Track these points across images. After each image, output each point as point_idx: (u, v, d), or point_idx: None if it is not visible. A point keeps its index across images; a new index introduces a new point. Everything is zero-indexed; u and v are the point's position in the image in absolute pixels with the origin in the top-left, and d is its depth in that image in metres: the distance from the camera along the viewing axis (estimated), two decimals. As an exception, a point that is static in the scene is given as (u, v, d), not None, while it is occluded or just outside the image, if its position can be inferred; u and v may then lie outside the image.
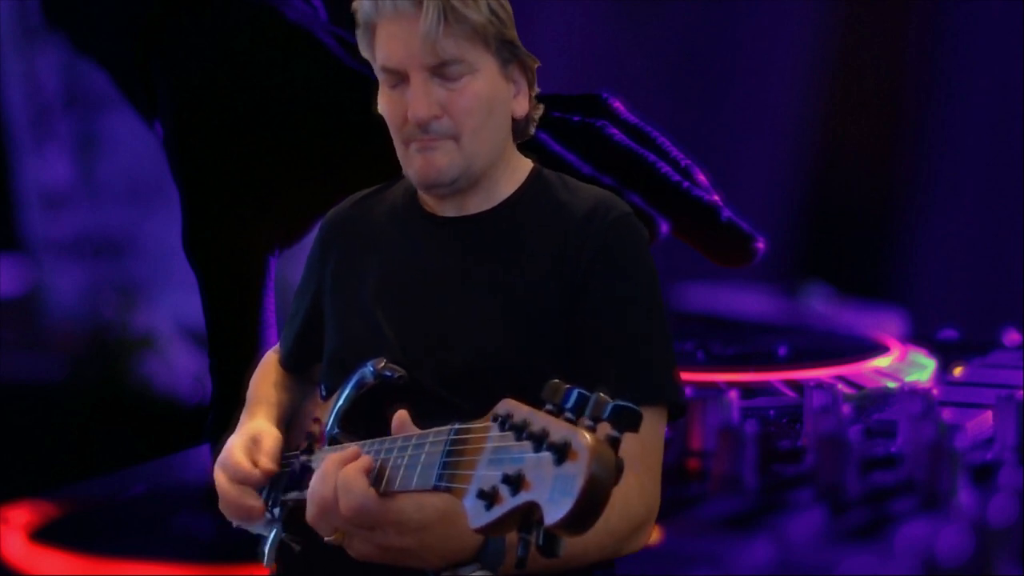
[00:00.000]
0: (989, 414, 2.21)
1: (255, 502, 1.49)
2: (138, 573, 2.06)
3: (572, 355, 1.42)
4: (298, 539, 1.47)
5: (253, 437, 1.52)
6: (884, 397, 2.39)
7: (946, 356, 2.70)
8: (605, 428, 1.11)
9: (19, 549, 2.18)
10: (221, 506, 1.52)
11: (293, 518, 1.47)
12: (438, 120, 1.43)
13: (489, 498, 1.14)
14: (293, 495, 1.47)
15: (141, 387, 3.45)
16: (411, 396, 1.42)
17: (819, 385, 2.22)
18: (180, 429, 2.98)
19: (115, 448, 3.15)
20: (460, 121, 1.43)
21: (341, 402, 1.44)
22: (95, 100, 3.51)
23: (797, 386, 2.41)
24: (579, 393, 1.13)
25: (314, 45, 2.15)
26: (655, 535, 1.49)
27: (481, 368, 1.42)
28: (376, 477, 1.31)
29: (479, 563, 1.30)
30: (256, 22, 2.17)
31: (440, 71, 1.42)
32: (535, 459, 1.11)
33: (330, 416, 1.45)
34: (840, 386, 2.34)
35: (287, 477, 1.50)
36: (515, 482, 1.12)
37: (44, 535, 2.21)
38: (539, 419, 1.14)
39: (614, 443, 1.10)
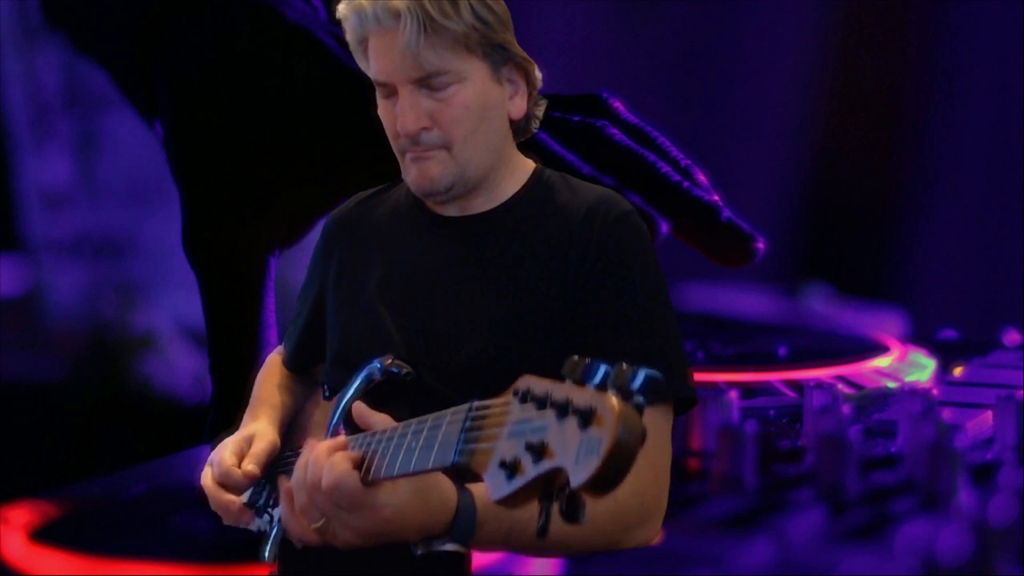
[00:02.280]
0: (989, 414, 2.21)
1: (233, 501, 1.51)
2: (138, 573, 2.06)
3: (577, 352, 1.42)
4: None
5: (247, 438, 1.53)
6: (884, 397, 2.39)
7: (946, 356, 2.70)
8: (628, 394, 1.11)
9: (19, 549, 2.17)
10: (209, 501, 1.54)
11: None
12: (428, 131, 1.44)
13: (511, 468, 1.13)
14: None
15: (141, 387, 3.45)
16: (415, 394, 1.42)
17: (819, 385, 2.22)
18: (180, 429, 2.98)
19: (115, 448, 3.15)
20: (450, 131, 1.43)
21: (348, 398, 1.44)
22: (95, 100, 3.51)
23: (797, 386, 2.41)
24: (600, 365, 1.13)
25: (314, 45, 2.15)
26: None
27: (484, 366, 1.42)
28: (388, 462, 1.31)
29: (449, 537, 1.31)
30: (256, 22, 2.17)
31: (426, 82, 1.42)
32: (559, 426, 1.11)
33: (336, 412, 1.45)
34: (840, 386, 2.34)
35: (288, 476, 1.50)
36: (538, 451, 1.12)
37: (44, 535, 2.21)
38: (561, 389, 1.13)
39: (639, 409, 1.11)
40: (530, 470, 1.12)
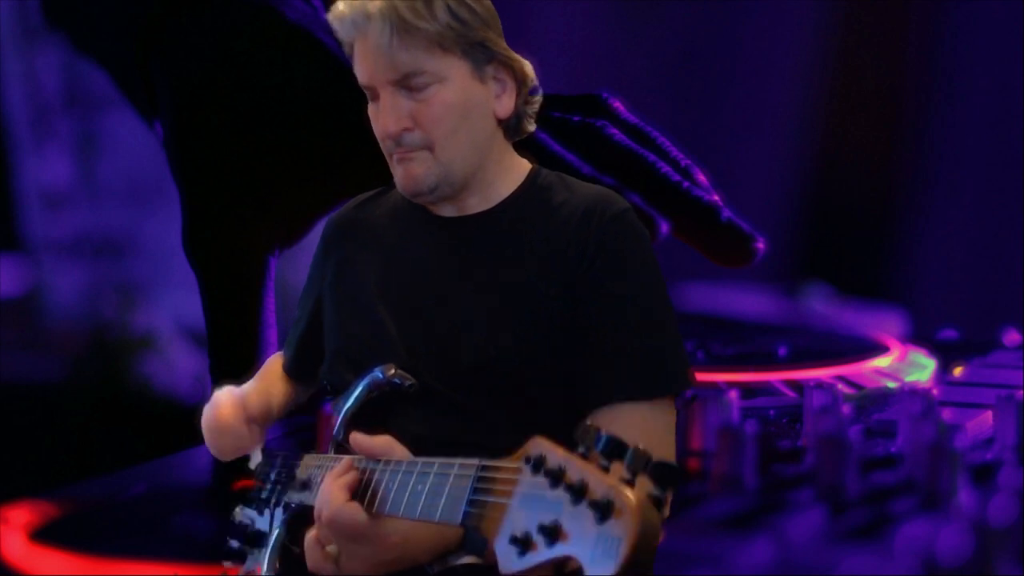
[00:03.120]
0: (989, 414, 2.21)
1: (244, 428, 1.57)
2: (138, 573, 2.06)
3: (577, 351, 1.42)
4: (299, 544, 1.47)
5: (242, 399, 1.59)
6: (884, 397, 2.39)
7: (946, 356, 2.70)
8: (644, 483, 1.10)
9: (19, 549, 2.17)
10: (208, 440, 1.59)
11: (297, 522, 1.47)
12: (409, 132, 1.44)
13: (523, 545, 1.12)
14: (296, 499, 1.47)
15: (141, 387, 3.45)
16: (416, 397, 1.42)
17: (819, 385, 2.22)
18: (180, 429, 2.98)
19: (115, 448, 3.15)
20: (430, 131, 1.44)
21: (348, 407, 1.44)
22: (95, 100, 3.51)
23: (797, 386, 2.41)
24: (611, 439, 1.11)
25: (314, 45, 2.15)
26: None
27: (485, 366, 1.42)
28: (393, 498, 1.31)
29: (464, 549, 1.31)
30: (256, 22, 2.17)
31: (405, 83, 1.43)
32: (573, 511, 1.09)
33: (337, 420, 1.45)
34: (840, 386, 2.33)
35: (291, 481, 1.50)
36: (551, 533, 1.10)
37: (44, 535, 2.21)
38: (576, 468, 1.11)
39: (657, 503, 1.09)
40: (543, 551, 1.11)
